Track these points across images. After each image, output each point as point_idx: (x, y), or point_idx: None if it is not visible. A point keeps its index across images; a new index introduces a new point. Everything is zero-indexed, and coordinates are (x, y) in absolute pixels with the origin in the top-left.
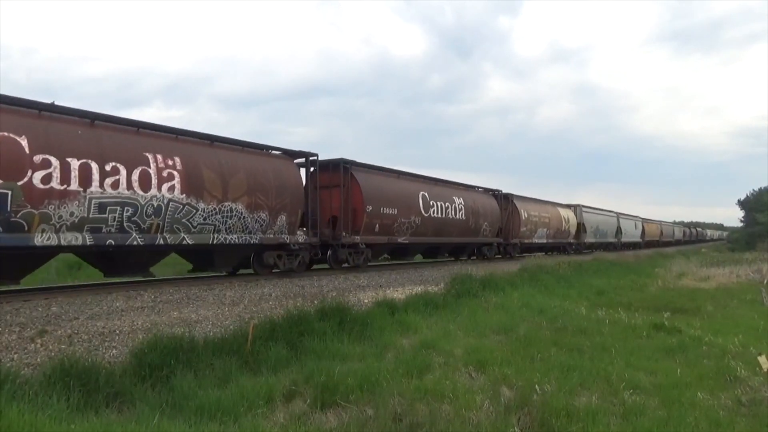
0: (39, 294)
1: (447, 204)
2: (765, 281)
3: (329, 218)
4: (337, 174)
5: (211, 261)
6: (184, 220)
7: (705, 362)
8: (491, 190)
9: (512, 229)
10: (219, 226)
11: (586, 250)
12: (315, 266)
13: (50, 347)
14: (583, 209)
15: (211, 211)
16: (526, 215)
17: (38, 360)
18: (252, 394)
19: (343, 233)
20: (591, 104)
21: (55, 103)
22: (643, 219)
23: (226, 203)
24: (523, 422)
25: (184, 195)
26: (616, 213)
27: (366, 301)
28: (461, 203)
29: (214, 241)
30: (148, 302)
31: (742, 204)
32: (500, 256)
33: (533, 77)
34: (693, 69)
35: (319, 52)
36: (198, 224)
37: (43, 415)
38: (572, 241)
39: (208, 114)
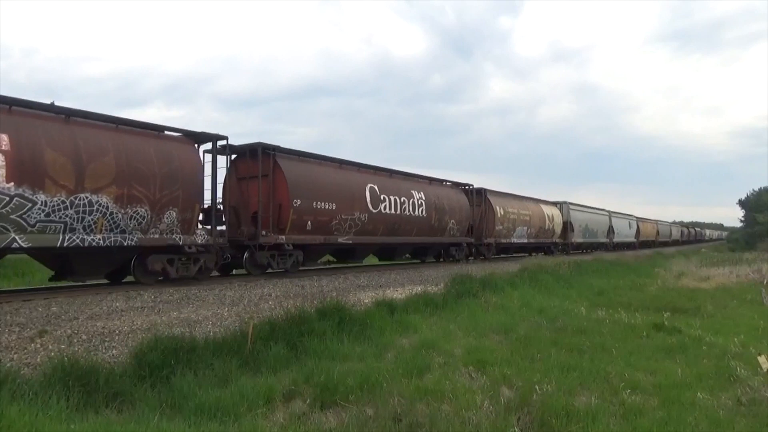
0: (39, 294)
1: (403, 199)
2: (765, 281)
3: (252, 214)
4: (259, 162)
5: (71, 267)
6: (13, 216)
7: (705, 362)
8: (461, 184)
9: (486, 227)
10: (73, 224)
11: (574, 250)
12: (236, 271)
13: (50, 347)
14: (570, 207)
15: (58, 204)
16: (502, 212)
17: (38, 360)
18: (252, 394)
19: (263, 232)
20: (591, 104)
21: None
22: (637, 218)
23: (82, 195)
24: (523, 422)
25: (12, 184)
26: (608, 211)
27: (366, 301)
28: (422, 198)
29: (66, 244)
30: (148, 302)
31: (742, 204)
32: (472, 258)
33: (534, 77)
34: (693, 69)
35: (321, 52)
36: (37, 222)
37: (43, 415)
38: (558, 240)
39: (209, 114)
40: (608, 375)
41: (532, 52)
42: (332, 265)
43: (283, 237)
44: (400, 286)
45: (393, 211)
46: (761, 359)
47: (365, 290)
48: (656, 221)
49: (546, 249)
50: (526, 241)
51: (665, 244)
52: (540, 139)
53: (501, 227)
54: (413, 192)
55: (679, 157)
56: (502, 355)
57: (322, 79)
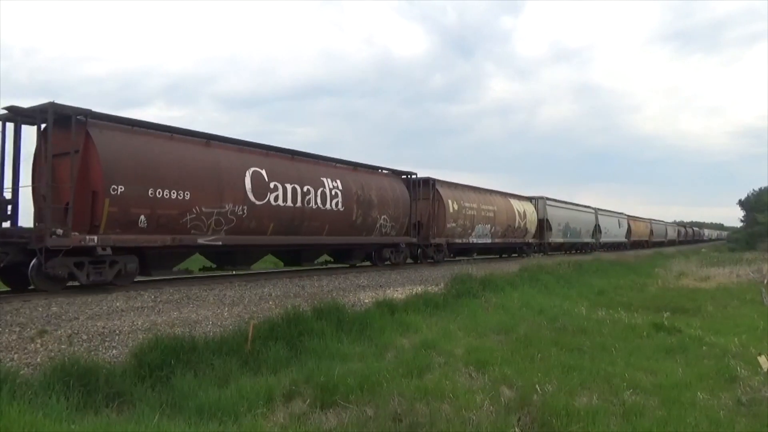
0: (39, 294)
1: (307, 188)
2: (765, 281)
3: (65, 206)
4: (72, 132)
5: None
6: None
7: (705, 362)
8: (401, 173)
9: (435, 225)
10: None
11: (553, 252)
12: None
13: (50, 347)
14: (548, 203)
15: None
16: (456, 207)
17: (38, 360)
18: (252, 394)
19: (58, 231)
20: (592, 104)
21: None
22: (628, 216)
23: None
24: (523, 422)
25: None
26: (594, 208)
27: (366, 300)
28: (337, 188)
29: None
30: (148, 302)
31: (743, 204)
32: (417, 261)
33: (535, 77)
34: (694, 69)
35: (321, 52)
36: None
37: (43, 415)
38: (531, 240)
39: (210, 114)
40: (608, 375)
41: (533, 52)
42: (194, 275)
43: (95, 237)
44: (400, 286)
45: (290, 203)
46: (761, 359)
47: (365, 290)
48: (650, 220)
49: (518, 250)
50: (489, 241)
51: (660, 244)
52: (541, 139)
53: (454, 225)
54: (325, 180)
55: (679, 157)
56: (502, 355)
57: (322, 79)
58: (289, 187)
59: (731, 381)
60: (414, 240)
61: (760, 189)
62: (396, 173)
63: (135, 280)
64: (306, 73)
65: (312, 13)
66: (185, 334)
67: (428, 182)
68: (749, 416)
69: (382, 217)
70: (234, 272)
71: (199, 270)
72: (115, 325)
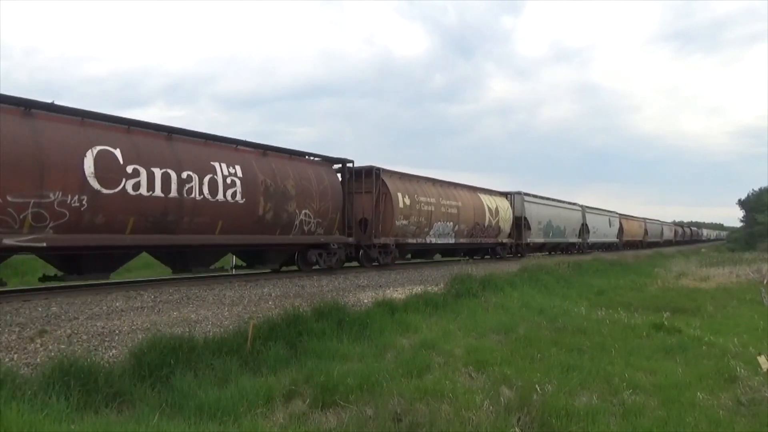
0: (39, 294)
1: (188, 174)
2: (765, 281)
3: None
4: None
5: None
6: None
7: (705, 362)
8: (335, 160)
9: (380, 223)
10: None
11: (533, 253)
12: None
13: (50, 347)
14: (526, 199)
15: None
16: (408, 202)
17: (38, 360)
18: (252, 394)
19: None
20: (593, 104)
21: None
22: (620, 215)
23: None
24: (523, 422)
25: None
26: (581, 206)
27: (366, 300)
28: (235, 175)
29: None
30: (147, 302)
31: (743, 204)
32: (357, 265)
33: (535, 77)
34: (695, 69)
35: (322, 52)
36: None
37: (42, 415)
38: (506, 240)
39: (210, 114)
40: (608, 375)
41: (533, 52)
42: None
43: None
44: (400, 286)
45: (160, 192)
46: (761, 359)
47: (365, 290)
48: (644, 219)
49: (490, 251)
50: (453, 241)
51: (655, 245)
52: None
53: (405, 222)
54: (217, 165)
55: (680, 157)
56: (502, 355)
57: (323, 79)
58: (158, 172)
59: (731, 381)
60: (349, 240)
61: (760, 189)
62: (328, 160)
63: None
64: (306, 73)
65: (312, 13)
66: (185, 334)
67: (372, 172)
68: (749, 416)
69: (303, 212)
70: (234, 272)
71: (39, 279)
72: (114, 325)
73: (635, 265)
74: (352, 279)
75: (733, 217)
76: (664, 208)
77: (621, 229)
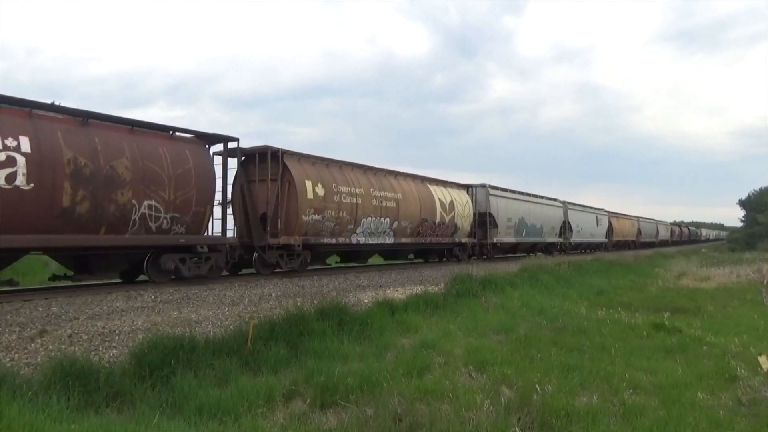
0: (39, 294)
1: None
2: (765, 281)
3: None
4: None
5: None
6: None
7: (705, 362)
8: (210, 136)
9: (281, 218)
10: None
11: (502, 254)
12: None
13: (50, 347)
14: (491, 192)
15: None
16: (321, 192)
17: (38, 360)
18: (252, 394)
19: None
20: (594, 104)
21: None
22: (610, 213)
23: None
24: (523, 422)
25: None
26: (562, 202)
27: (366, 301)
28: (15, 149)
29: None
30: (148, 302)
31: (743, 204)
32: (258, 272)
33: (536, 77)
34: (696, 69)
35: (323, 52)
36: None
37: (43, 415)
38: (465, 240)
39: (212, 114)
40: (608, 375)
41: (535, 51)
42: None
43: None
44: (400, 286)
45: None
46: (761, 359)
47: (365, 290)
48: (637, 217)
49: (446, 253)
50: (391, 240)
51: (650, 245)
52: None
53: (318, 218)
54: None
55: (681, 157)
56: (502, 355)
57: (324, 79)
58: None
59: (731, 381)
60: (230, 240)
61: (761, 189)
62: (202, 138)
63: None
64: (308, 73)
65: (314, 13)
66: (185, 334)
67: (267, 154)
68: (749, 416)
69: (146, 203)
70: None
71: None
72: (115, 325)
73: (635, 265)
74: (353, 279)
75: (733, 217)
76: (665, 208)
77: (610, 229)
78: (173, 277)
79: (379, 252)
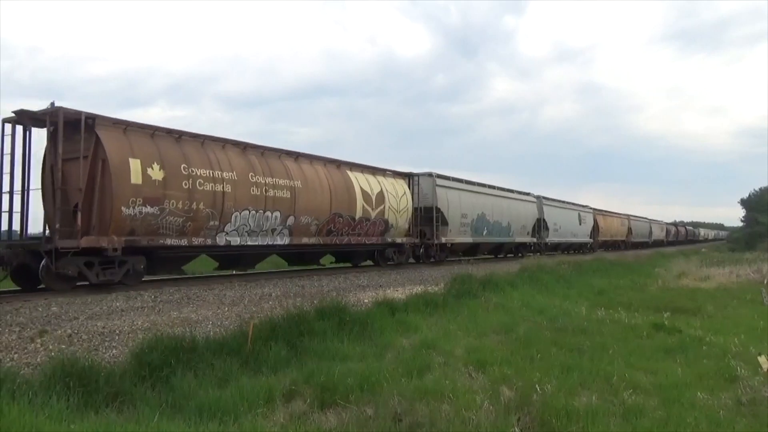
0: (39, 294)
1: None
2: (765, 281)
3: None
4: None
5: None
6: None
7: (705, 362)
8: None
9: (94, 211)
10: None
11: (457, 257)
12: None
13: (50, 347)
14: (439, 182)
15: None
16: (158, 176)
17: (38, 360)
18: (252, 394)
19: None
20: (595, 104)
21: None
22: (595, 210)
23: None
24: (523, 422)
25: None
26: (537, 197)
27: (366, 300)
28: None
29: None
30: (148, 302)
31: (744, 204)
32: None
33: (537, 77)
34: (697, 68)
35: (324, 52)
36: None
37: (43, 415)
38: (402, 240)
39: (212, 114)
40: (608, 375)
41: (536, 51)
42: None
43: None
44: (400, 286)
45: None
46: (761, 359)
47: (365, 290)
48: (627, 216)
49: (377, 255)
50: (285, 241)
51: (642, 245)
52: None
53: (151, 211)
54: None
55: (681, 157)
56: (502, 355)
57: (325, 79)
58: None
59: (731, 381)
60: None
61: (761, 189)
62: None
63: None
64: (309, 73)
65: (315, 13)
66: (185, 334)
67: (80, 122)
68: (749, 416)
69: None
70: (234, 272)
71: None
72: (115, 324)
73: (635, 265)
74: (353, 279)
75: (733, 216)
76: (665, 208)
77: (596, 227)
78: None
79: (264, 256)
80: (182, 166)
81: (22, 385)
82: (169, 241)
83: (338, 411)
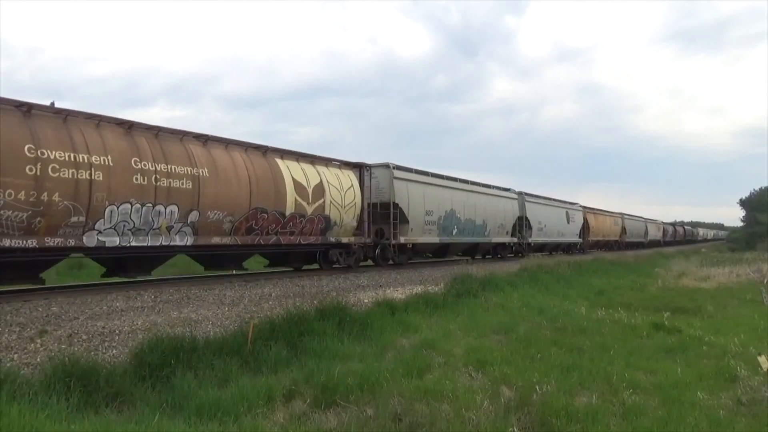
0: (39, 294)
1: None
2: (765, 281)
3: None
4: None
5: None
6: None
7: (705, 362)
8: None
9: None
10: None
11: (420, 259)
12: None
13: (50, 347)
14: (397, 174)
15: None
16: None
17: (38, 360)
18: (252, 394)
19: None
20: (595, 104)
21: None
22: (586, 208)
23: None
24: (523, 422)
25: None
26: (518, 193)
27: (366, 300)
28: None
29: None
30: (148, 302)
31: (743, 203)
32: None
33: (538, 77)
34: (698, 68)
35: (325, 52)
36: None
37: (43, 415)
38: (350, 240)
39: (213, 114)
40: (608, 375)
41: (536, 51)
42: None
43: None
44: (400, 286)
45: None
46: (761, 359)
47: (365, 290)
48: (621, 214)
49: (321, 257)
50: (189, 241)
51: (637, 246)
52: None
53: None
54: None
55: (681, 157)
56: (502, 355)
57: (326, 79)
58: None
59: (731, 381)
60: None
61: (761, 188)
62: None
63: (136, 279)
64: (309, 73)
65: (315, 13)
66: (185, 334)
67: None
68: (749, 416)
69: None
70: (234, 272)
71: None
72: (115, 325)
73: (636, 265)
74: (353, 279)
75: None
76: (666, 208)
77: (586, 227)
78: None
79: (193, 257)
80: (26, 146)
81: (22, 385)
82: (7, 242)
83: (338, 411)
